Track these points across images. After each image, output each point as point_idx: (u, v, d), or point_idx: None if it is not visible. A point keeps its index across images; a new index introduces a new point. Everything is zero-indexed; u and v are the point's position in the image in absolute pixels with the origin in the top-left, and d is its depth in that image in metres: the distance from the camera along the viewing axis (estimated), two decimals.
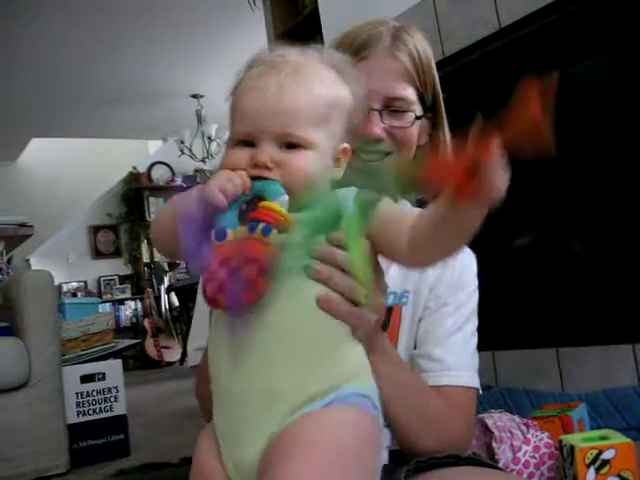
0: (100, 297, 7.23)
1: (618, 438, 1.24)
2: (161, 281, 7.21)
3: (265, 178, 0.69)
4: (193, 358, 1.00)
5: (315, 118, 0.71)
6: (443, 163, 0.61)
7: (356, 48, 0.99)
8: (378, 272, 0.76)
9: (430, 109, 1.03)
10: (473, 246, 1.05)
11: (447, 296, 0.98)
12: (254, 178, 0.69)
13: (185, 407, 3.33)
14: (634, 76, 1.84)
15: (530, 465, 1.35)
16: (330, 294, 0.70)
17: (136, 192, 7.86)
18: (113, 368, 2.62)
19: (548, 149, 0.57)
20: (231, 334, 0.69)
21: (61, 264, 7.35)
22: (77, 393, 2.48)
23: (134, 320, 7.57)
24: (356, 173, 0.71)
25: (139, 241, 7.80)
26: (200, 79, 6.34)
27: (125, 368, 2.81)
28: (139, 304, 7.59)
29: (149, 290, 7.23)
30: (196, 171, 8.03)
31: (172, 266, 7.32)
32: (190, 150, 6.92)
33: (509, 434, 1.38)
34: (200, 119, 6.93)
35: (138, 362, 6.63)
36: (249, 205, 0.68)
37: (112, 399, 2.55)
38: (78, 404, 2.47)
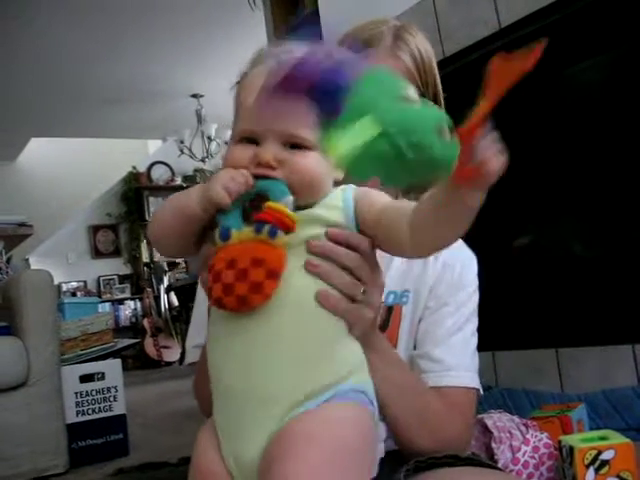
0: (99, 297, 7.24)
1: (617, 438, 1.24)
2: (160, 281, 7.22)
3: (268, 177, 0.69)
4: (191, 355, 1.00)
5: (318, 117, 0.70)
6: None
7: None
8: (376, 270, 0.76)
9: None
10: (473, 246, 1.05)
11: (447, 296, 0.98)
12: (257, 177, 0.69)
13: (184, 407, 3.33)
14: (635, 76, 1.84)
15: (529, 465, 1.35)
16: (328, 290, 0.69)
17: (136, 192, 7.86)
18: (112, 368, 2.62)
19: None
20: (230, 333, 0.69)
21: (60, 264, 7.35)
22: (76, 393, 2.48)
23: (133, 320, 7.57)
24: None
25: (139, 241, 7.80)
26: (200, 79, 6.34)
27: (124, 368, 2.81)
28: (138, 304, 7.60)
29: (148, 290, 7.24)
30: (196, 171, 8.03)
31: (172, 266, 7.33)
32: (190, 150, 6.93)
33: (508, 434, 1.38)
34: (200, 119, 6.93)
35: (137, 362, 6.63)
36: (252, 204, 0.68)
37: (111, 399, 2.55)
38: (77, 404, 2.47)
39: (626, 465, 1.20)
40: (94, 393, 2.51)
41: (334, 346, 0.69)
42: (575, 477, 1.21)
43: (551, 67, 2.04)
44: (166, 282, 7.07)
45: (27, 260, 7.03)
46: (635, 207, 1.86)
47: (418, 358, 0.96)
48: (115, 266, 7.82)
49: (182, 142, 6.89)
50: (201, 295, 1.04)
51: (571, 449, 1.23)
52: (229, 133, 0.86)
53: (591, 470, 1.20)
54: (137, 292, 7.66)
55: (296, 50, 0.67)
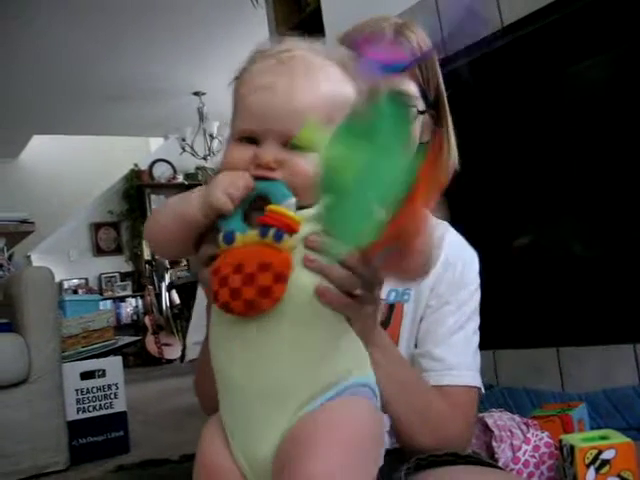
0: (101, 294, 7.24)
1: (618, 438, 1.24)
2: (162, 278, 7.22)
3: (268, 178, 0.68)
4: (192, 352, 1.00)
5: (320, 120, 0.69)
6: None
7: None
8: (374, 263, 0.76)
9: (433, 106, 1.03)
10: (475, 245, 1.05)
11: (449, 295, 0.98)
12: (257, 178, 0.68)
13: (185, 404, 3.33)
14: (637, 75, 1.84)
15: (530, 464, 1.35)
16: (326, 285, 0.69)
17: (137, 189, 7.87)
18: (113, 365, 2.62)
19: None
20: (235, 336, 0.69)
21: (62, 261, 7.35)
22: (77, 390, 2.47)
23: (135, 317, 7.58)
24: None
25: (140, 238, 7.80)
26: (202, 77, 6.34)
27: (126, 365, 2.81)
28: (140, 301, 7.60)
29: (150, 287, 7.24)
30: (197, 169, 8.03)
31: (173, 264, 7.33)
32: (192, 148, 6.93)
33: (509, 433, 1.38)
34: (202, 117, 6.93)
35: (139, 359, 6.64)
36: (253, 206, 0.68)
37: (112, 396, 2.55)
38: (78, 401, 2.47)
39: (627, 465, 1.20)
40: (95, 390, 2.51)
41: (339, 342, 0.69)
42: (576, 476, 1.21)
43: (553, 66, 2.04)
44: (167, 280, 7.07)
45: (29, 257, 7.03)
46: (636, 206, 1.86)
47: (419, 357, 0.96)
48: (117, 263, 7.83)
49: (184, 140, 6.89)
50: (202, 292, 1.04)
51: (572, 448, 1.23)
52: None
53: (592, 469, 1.20)
54: (138, 289, 7.66)
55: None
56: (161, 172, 8.04)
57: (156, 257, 7.48)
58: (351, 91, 0.74)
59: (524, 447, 1.36)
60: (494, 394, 2.05)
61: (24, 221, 3.20)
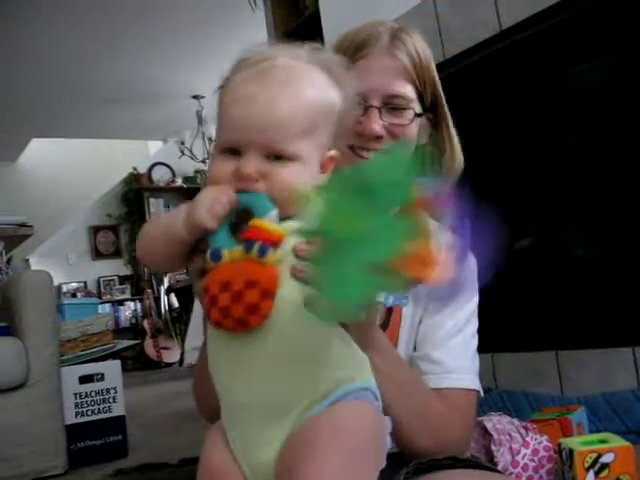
0: (100, 298, 7.23)
1: (617, 442, 1.24)
2: (161, 282, 7.21)
3: (251, 191, 0.68)
4: (191, 357, 1.00)
5: (302, 129, 0.70)
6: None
7: (355, 47, 0.99)
8: None
9: (430, 109, 1.03)
10: (473, 248, 1.05)
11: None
12: (239, 190, 0.68)
13: (184, 408, 3.33)
14: (635, 78, 1.84)
15: (529, 468, 1.35)
16: (315, 294, 0.70)
17: (136, 193, 7.86)
18: (112, 369, 2.62)
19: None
20: (230, 351, 0.69)
21: (61, 264, 7.35)
22: (75, 394, 2.47)
23: (133, 321, 7.57)
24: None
25: None
26: (201, 80, 6.34)
27: (124, 369, 2.81)
28: (139, 305, 7.59)
29: (149, 291, 7.23)
30: (196, 172, 8.03)
31: None
32: (190, 151, 6.93)
33: (508, 437, 1.38)
34: (201, 120, 6.93)
35: (137, 363, 6.63)
36: (238, 220, 0.68)
37: (111, 400, 2.55)
38: (76, 404, 2.47)
39: (626, 468, 1.20)
40: (93, 394, 2.51)
41: (335, 349, 0.70)
42: None
43: (551, 69, 2.04)
44: (166, 283, 7.06)
45: (27, 261, 7.03)
46: (636, 209, 1.86)
47: (418, 360, 0.96)
48: (115, 267, 7.82)
49: (183, 143, 6.89)
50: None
51: (571, 452, 1.23)
52: None
53: (591, 473, 1.20)
54: (137, 293, 7.65)
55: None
56: (160, 175, 8.04)
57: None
58: (336, 96, 0.74)
59: (523, 451, 1.36)
60: (493, 397, 2.05)
61: (23, 224, 3.20)
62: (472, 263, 1.03)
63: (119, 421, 2.55)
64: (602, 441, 1.25)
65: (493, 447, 1.36)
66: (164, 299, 7.05)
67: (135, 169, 7.93)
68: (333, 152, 0.75)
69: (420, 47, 1.01)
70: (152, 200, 7.84)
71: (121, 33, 5.22)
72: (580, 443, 1.25)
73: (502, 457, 1.35)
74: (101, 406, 2.52)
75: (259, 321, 0.65)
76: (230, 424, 0.71)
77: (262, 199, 0.68)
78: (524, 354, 2.13)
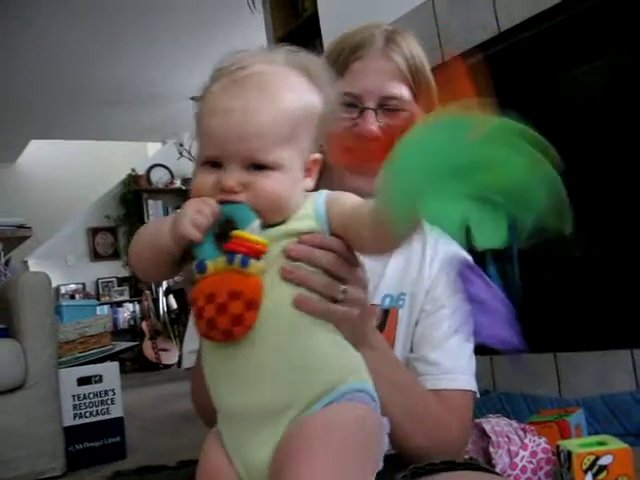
0: (98, 299, 7.23)
1: (615, 444, 1.24)
2: (159, 283, 7.21)
3: (233, 201, 0.69)
4: (188, 360, 1.00)
5: (282, 137, 0.70)
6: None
7: (350, 49, 1.00)
8: (356, 267, 0.76)
9: (427, 110, 1.03)
10: (471, 250, 1.05)
11: (444, 299, 0.98)
12: (223, 201, 0.69)
13: (182, 410, 3.33)
14: (633, 80, 1.84)
15: (527, 470, 1.35)
16: (305, 294, 0.70)
17: (135, 194, 7.85)
18: (110, 370, 2.62)
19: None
20: (221, 358, 0.69)
21: (59, 266, 7.34)
22: (74, 395, 2.47)
23: (132, 322, 7.56)
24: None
25: None
26: (200, 81, 6.31)
27: (123, 370, 2.81)
28: (137, 306, 7.59)
29: (147, 292, 7.23)
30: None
31: None
32: (189, 153, 6.94)
33: (506, 439, 1.38)
34: None
35: (136, 364, 6.62)
36: (222, 230, 0.69)
37: (109, 401, 2.54)
38: (75, 406, 2.47)
39: (624, 470, 1.20)
40: (92, 396, 2.51)
41: (326, 350, 0.70)
42: None
43: (550, 71, 2.04)
44: (165, 285, 7.06)
45: (26, 262, 7.02)
46: (634, 211, 1.87)
47: (415, 361, 0.96)
48: (114, 268, 7.81)
49: (181, 145, 6.89)
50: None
51: (569, 454, 1.23)
52: None
53: (589, 475, 1.20)
54: (136, 295, 7.64)
55: None
56: (159, 177, 8.03)
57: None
58: (316, 99, 0.74)
59: (521, 453, 1.36)
60: (491, 400, 2.05)
61: (21, 226, 3.20)
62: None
63: (117, 423, 2.55)
64: (600, 443, 1.25)
65: (491, 449, 1.36)
66: (163, 301, 7.04)
67: (134, 170, 7.92)
68: (316, 155, 0.75)
69: (415, 49, 1.02)
70: (151, 202, 7.84)
71: (121, 33, 5.22)
72: (578, 445, 1.25)
73: (500, 459, 1.35)
74: (99, 408, 2.52)
75: (244, 332, 0.66)
76: (225, 428, 0.72)
77: (244, 210, 0.68)
78: (522, 356, 2.13)
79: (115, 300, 7.61)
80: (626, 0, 1.81)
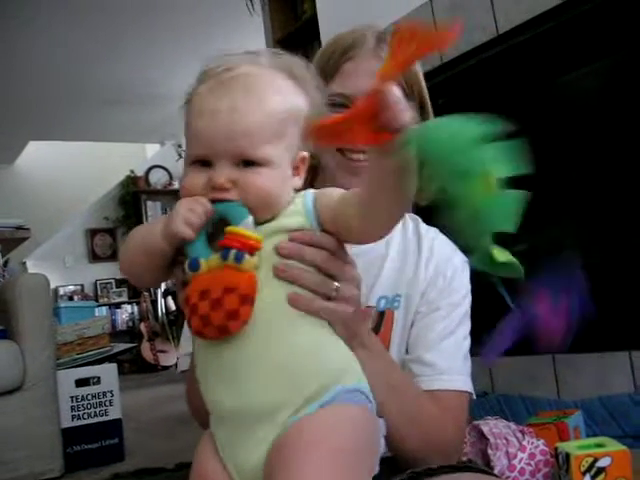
0: (97, 300, 7.23)
1: (614, 446, 1.24)
2: (158, 285, 7.20)
3: (225, 200, 0.69)
4: (183, 363, 1.00)
5: (269, 135, 0.70)
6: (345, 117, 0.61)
7: (342, 50, 1.00)
8: (348, 264, 0.76)
9: (418, 111, 1.03)
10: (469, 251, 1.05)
11: (439, 300, 0.98)
12: (214, 201, 0.69)
13: (177, 412, 3.32)
14: (631, 83, 1.85)
15: (525, 472, 1.35)
16: (299, 292, 0.70)
17: (134, 196, 7.85)
18: (108, 372, 2.61)
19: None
20: (214, 357, 0.69)
21: (58, 267, 7.33)
22: (72, 397, 2.47)
23: (130, 324, 7.55)
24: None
25: None
26: None
27: (121, 372, 2.80)
28: (136, 308, 7.58)
29: (146, 294, 7.21)
30: None
31: None
32: None
33: (505, 441, 1.38)
34: None
35: (134, 366, 6.61)
36: (215, 229, 0.69)
37: (107, 403, 2.54)
38: (73, 408, 2.46)
39: (622, 472, 1.20)
40: (90, 397, 2.50)
41: (319, 349, 0.70)
42: None
43: (548, 73, 2.05)
44: (163, 286, 7.05)
45: (24, 264, 7.01)
46: (633, 214, 1.87)
47: (410, 362, 0.96)
48: (112, 270, 7.80)
49: (180, 146, 6.89)
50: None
51: (567, 456, 1.23)
52: None
53: (587, 477, 1.20)
54: (134, 296, 7.63)
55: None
56: (157, 178, 8.03)
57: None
58: (301, 101, 0.74)
59: (520, 455, 1.36)
60: (490, 401, 2.05)
61: (19, 227, 3.19)
62: (465, 266, 1.03)
63: (115, 424, 2.54)
64: (598, 445, 1.25)
65: (490, 451, 1.36)
66: (161, 302, 7.03)
67: (132, 172, 7.92)
68: (304, 153, 0.75)
69: None
70: (149, 203, 7.83)
71: (121, 33, 5.22)
72: (576, 447, 1.25)
73: (499, 461, 1.35)
74: (97, 409, 2.51)
75: (239, 327, 0.66)
76: (217, 429, 0.72)
77: (236, 207, 0.69)
78: (521, 358, 2.13)
79: (113, 301, 7.60)
80: (624, 3, 1.81)
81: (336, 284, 0.73)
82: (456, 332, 0.97)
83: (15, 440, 2.21)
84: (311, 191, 0.74)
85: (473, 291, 1.02)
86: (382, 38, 1.01)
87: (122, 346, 3.35)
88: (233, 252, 0.66)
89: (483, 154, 0.56)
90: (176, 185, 8.03)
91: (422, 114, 1.04)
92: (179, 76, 6.19)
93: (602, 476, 1.20)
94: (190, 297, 0.67)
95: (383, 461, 0.72)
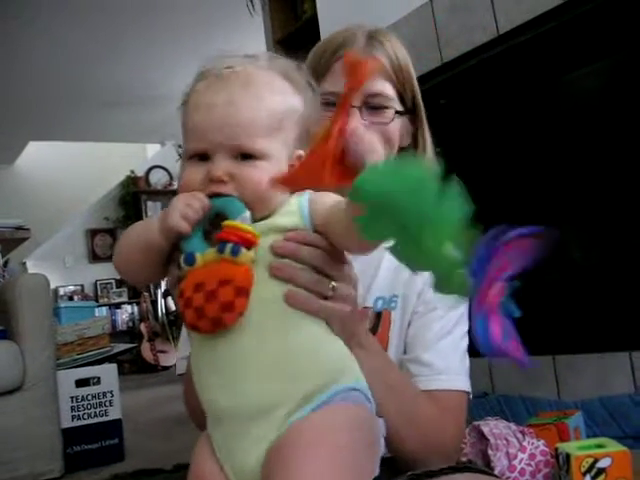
0: (97, 301, 7.23)
1: (614, 446, 1.24)
2: (158, 285, 7.20)
3: (222, 194, 0.69)
4: (180, 366, 1.00)
5: (266, 127, 0.71)
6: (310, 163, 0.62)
7: (332, 50, 1.00)
8: (343, 263, 0.76)
9: (411, 111, 1.03)
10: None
11: (436, 300, 0.98)
12: (212, 195, 0.69)
13: (180, 412, 3.29)
14: (632, 83, 1.85)
15: (526, 473, 1.35)
16: (296, 290, 0.70)
17: (134, 196, 7.86)
18: (108, 372, 2.61)
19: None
20: (209, 354, 0.69)
21: (58, 267, 7.33)
22: (72, 397, 2.47)
23: (130, 324, 7.55)
24: None
25: None
26: None
27: (121, 372, 2.80)
28: (136, 308, 7.58)
29: (146, 294, 7.22)
30: None
31: None
32: None
33: (505, 441, 1.38)
34: None
35: (134, 366, 6.61)
36: (212, 225, 0.69)
37: (107, 403, 2.54)
38: (73, 408, 2.46)
39: (623, 473, 1.20)
40: (90, 398, 2.50)
41: (316, 347, 0.70)
42: None
43: (549, 73, 2.04)
44: (163, 286, 7.05)
45: (24, 264, 7.01)
46: (633, 215, 1.87)
47: (408, 362, 0.96)
48: (112, 270, 7.54)
49: (180, 146, 6.87)
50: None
51: (568, 457, 1.22)
52: None
53: (588, 478, 1.20)
54: (134, 296, 7.63)
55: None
56: (157, 178, 8.03)
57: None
58: (297, 101, 0.75)
59: (520, 455, 1.36)
60: (490, 402, 2.04)
61: (20, 227, 3.19)
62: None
63: (115, 425, 2.54)
64: (599, 446, 1.25)
65: (490, 452, 1.36)
66: (161, 302, 7.03)
67: (133, 172, 7.93)
68: (301, 151, 0.75)
69: (397, 48, 1.02)
70: (150, 203, 7.83)
71: (121, 33, 5.22)
72: (577, 448, 1.25)
73: (499, 462, 1.34)
74: (97, 410, 2.51)
75: (234, 319, 0.65)
76: (214, 429, 0.71)
77: (234, 202, 0.69)
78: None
79: (113, 302, 7.60)
80: (625, 3, 1.81)
81: (333, 283, 0.73)
82: (453, 332, 0.97)
83: (15, 440, 2.21)
84: (307, 192, 0.74)
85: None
86: (373, 37, 1.01)
87: (122, 346, 3.35)
88: (230, 245, 0.66)
89: (435, 200, 0.55)
90: (176, 185, 8.03)
91: (415, 113, 1.04)
92: (179, 76, 6.17)
93: (602, 477, 1.20)
94: (185, 290, 0.67)
95: (383, 462, 0.72)
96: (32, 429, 2.24)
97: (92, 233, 7.77)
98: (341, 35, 1.03)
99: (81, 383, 2.52)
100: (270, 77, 0.74)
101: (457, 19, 2.22)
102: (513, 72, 2.12)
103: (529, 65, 2.07)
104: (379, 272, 0.99)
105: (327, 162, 0.60)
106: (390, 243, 0.58)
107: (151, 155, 8.66)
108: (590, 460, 1.20)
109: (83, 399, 2.49)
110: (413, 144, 1.06)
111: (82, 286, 7.57)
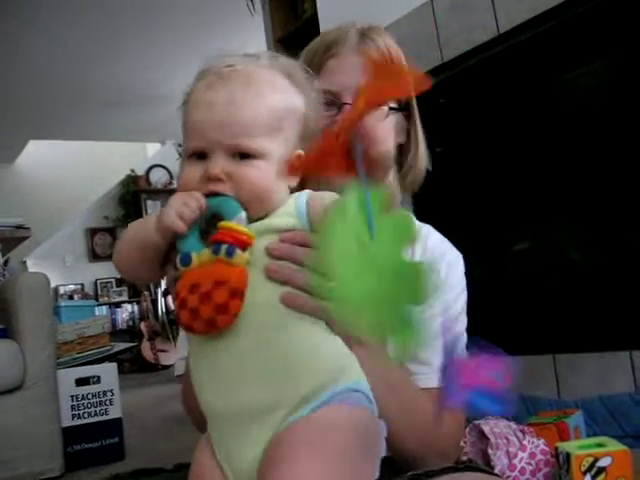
0: (97, 300, 7.23)
1: (614, 446, 1.24)
2: (158, 284, 7.20)
3: (219, 194, 0.69)
4: (179, 367, 1.00)
5: (265, 127, 0.71)
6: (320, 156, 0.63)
7: (325, 48, 1.00)
8: None
9: (405, 108, 1.03)
10: (472, 251, 1.04)
11: (434, 298, 0.97)
12: (209, 195, 0.69)
13: (176, 412, 3.30)
14: (632, 82, 1.84)
15: (526, 472, 1.35)
16: (293, 291, 0.69)
17: (134, 195, 7.86)
18: (108, 371, 2.61)
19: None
20: (205, 355, 0.69)
21: (58, 266, 7.34)
22: (72, 396, 2.47)
23: (130, 323, 7.55)
24: None
25: None
26: None
27: (121, 371, 2.80)
28: (136, 307, 7.58)
29: (146, 293, 7.22)
30: None
31: None
32: None
33: (505, 440, 1.38)
34: None
35: (134, 365, 6.61)
36: (208, 224, 0.69)
37: (107, 402, 2.54)
38: (73, 407, 2.46)
39: (623, 472, 1.20)
40: (90, 397, 2.50)
41: (315, 348, 0.69)
42: None
43: (549, 72, 2.04)
44: (163, 285, 7.05)
45: (24, 263, 7.01)
46: (633, 214, 1.87)
47: (407, 361, 0.96)
48: (112, 269, 7.60)
49: (180, 145, 6.86)
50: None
51: (568, 456, 1.22)
52: None
53: (588, 477, 1.19)
54: (134, 295, 7.64)
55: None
56: (158, 178, 8.03)
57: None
58: (298, 100, 0.75)
59: (520, 454, 1.36)
60: None
61: (20, 226, 3.19)
62: (459, 263, 1.03)
63: (116, 424, 2.54)
64: (599, 445, 1.25)
65: (490, 451, 1.36)
66: (161, 301, 7.03)
67: (133, 171, 7.93)
68: (301, 151, 0.75)
69: (391, 45, 1.02)
70: (149, 202, 7.84)
71: (121, 33, 5.22)
72: (577, 447, 1.25)
73: (499, 461, 1.34)
74: (98, 409, 2.51)
75: (228, 321, 0.65)
76: (213, 430, 0.71)
77: (230, 202, 0.69)
78: (521, 357, 2.12)
79: (114, 301, 7.61)
80: (625, 2, 1.81)
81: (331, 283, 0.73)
82: (452, 329, 0.97)
83: (15, 439, 2.21)
84: (305, 192, 0.74)
85: (469, 287, 1.02)
86: (365, 34, 1.01)
87: (122, 345, 3.35)
88: (225, 247, 0.66)
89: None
90: (176, 184, 8.04)
91: (408, 111, 1.04)
92: (179, 76, 6.17)
93: (602, 476, 1.20)
94: (180, 291, 0.67)
95: (382, 462, 0.71)
96: (32, 428, 2.24)
97: (92, 232, 7.78)
98: (333, 33, 1.03)
99: (81, 382, 2.52)
100: (271, 76, 0.74)
101: (457, 18, 2.22)
102: (513, 71, 2.11)
103: (529, 64, 2.07)
104: None
105: (336, 154, 0.61)
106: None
107: (151, 154, 8.66)
108: (590, 459, 1.20)
109: (83, 398, 2.49)
110: (407, 141, 1.06)
111: (82, 285, 7.57)
